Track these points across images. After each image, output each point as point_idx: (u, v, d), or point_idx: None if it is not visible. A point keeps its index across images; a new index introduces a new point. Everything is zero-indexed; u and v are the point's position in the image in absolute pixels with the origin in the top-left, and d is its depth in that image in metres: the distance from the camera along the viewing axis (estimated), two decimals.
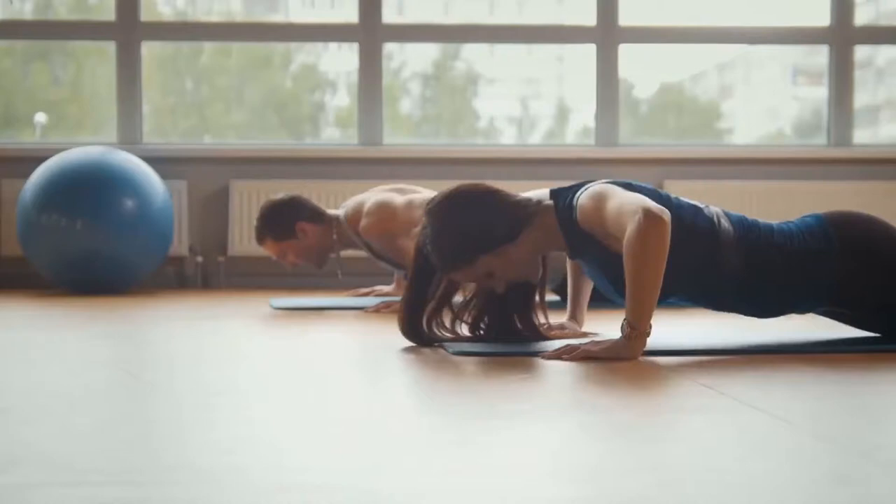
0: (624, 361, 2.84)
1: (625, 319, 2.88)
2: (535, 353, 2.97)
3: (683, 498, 1.51)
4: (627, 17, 6.38)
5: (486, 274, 3.10)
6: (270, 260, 6.07)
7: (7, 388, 2.54)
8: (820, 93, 6.72)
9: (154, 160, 5.91)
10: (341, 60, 7.20)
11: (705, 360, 2.93)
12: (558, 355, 2.90)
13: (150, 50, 6.55)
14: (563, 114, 7.51)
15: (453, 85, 7.40)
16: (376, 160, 6.22)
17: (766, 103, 7.87)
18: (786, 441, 1.91)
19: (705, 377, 2.60)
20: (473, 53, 7.24)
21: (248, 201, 6.13)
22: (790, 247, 3.09)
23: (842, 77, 6.45)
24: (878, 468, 1.68)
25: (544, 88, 7.76)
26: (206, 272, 6.21)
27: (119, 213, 5.44)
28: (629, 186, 3.06)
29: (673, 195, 3.12)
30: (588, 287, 3.50)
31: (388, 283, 5.39)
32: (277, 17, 7.38)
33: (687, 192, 6.10)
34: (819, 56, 6.79)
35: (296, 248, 4.87)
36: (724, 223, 3.07)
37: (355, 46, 6.35)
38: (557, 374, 2.69)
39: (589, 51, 6.41)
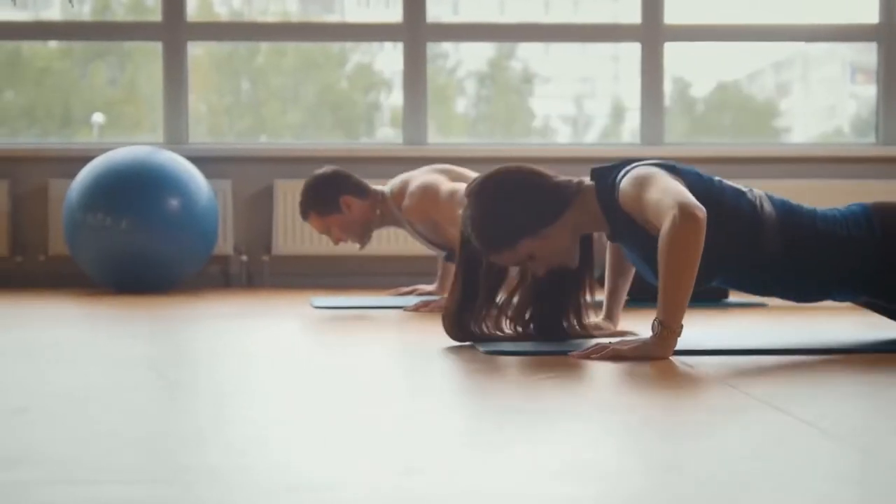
0: (654, 361, 2.82)
1: (656, 318, 2.86)
2: (566, 352, 2.96)
3: (690, 498, 1.49)
4: (673, 15, 6.33)
5: (527, 256, 3.08)
6: (314, 259, 6.11)
7: (26, 387, 2.56)
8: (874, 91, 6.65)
9: (199, 160, 5.95)
10: (396, 60, 7.21)
11: (736, 360, 2.90)
12: (587, 355, 2.88)
13: (207, 50, 6.59)
14: (618, 113, 7.48)
15: (508, 84, 7.39)
16: (421, 160, 6.19)
17: (824, 101, 7.80)
18: (803, 443, 1.88)
19: (734, 377, 2.58)
20: (529, 52, 7.23)
21: (292, 201, 6.14)
22: (832, 233, 3.06)
23: (891, 75, 6.37)
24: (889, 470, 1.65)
25: (599, 87, 7.73)
26: (251, 271, 6.24)
27: (164, 213, 5.47)
28: (673, 170, 3.03)
29: (717, 178, 3.10)
30: (625, 286, 3.47)
31: (429, 283, 5.39)
32: (332, 17, 7.40)
33: None
34: (872, 54, 6.72)
35: (340, 223, 4.82)
36: (767, 207, 3.05)
37: (400, 46, 6.36)
38: (585, 374, 2.67)
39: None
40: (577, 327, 3.24)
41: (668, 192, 2.89)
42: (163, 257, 5.51)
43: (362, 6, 7.13)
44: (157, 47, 6.37)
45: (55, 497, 1.49)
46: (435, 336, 3.28)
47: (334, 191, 4.78)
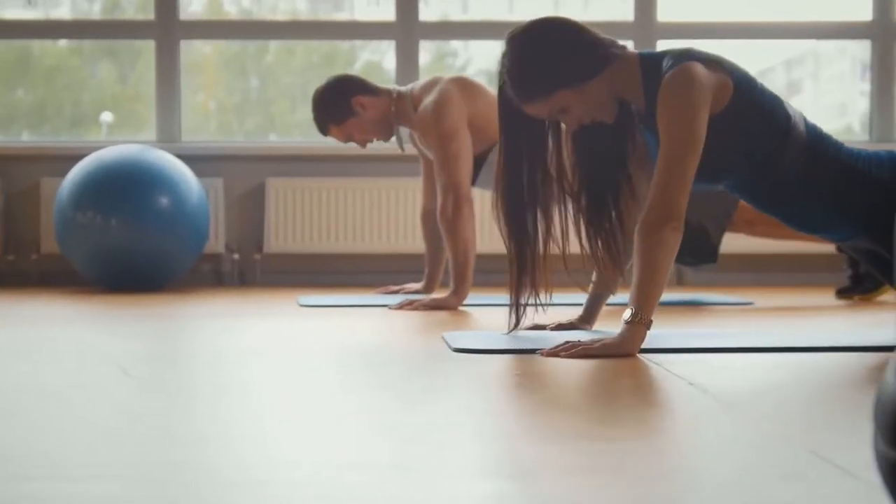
0: (622, 358, 2.83)
1: (628, 306, 2.87)
2: (534, 350, 2.96)
3: (627, 497, 1.50)
4: (666, 13, 6.33)
5: (560, 109, 3.06)
6: (306, 257, 6.12)
7: (5, 384, 2.57)
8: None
9: (191, 158, 5.95)
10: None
11: (703, 358, 2.90)
12: (556, 353, 2.89)
13: (216, 48, 6.60)
14: None
15: None
16: (413, 158, 6.21)
17: (835, 99, 7.79)
18: (748, 441, 1.88)
19: (696, 376, 2.57)
20: None
21: (283, 199, 6.16)
22: (852, 166, 3.06)
23: (885, 72, 6.37)
24: (831, 467, 1.65)
25: None
26: (243, 270, 6.25)
27: (153, 211, 5.48)
28: (721, 66, 3.01)
29: (759, 81, 3.09)
30: (606, 297, 3.47)
31: (418, 281, 5.39)
32: (342, 16, 7.41)
33: None
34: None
35: (359, 126, 4.82)
36: (800, 125, 3.07)
37: (398, 45, 6.36)
38: (550, 372, 2.67)
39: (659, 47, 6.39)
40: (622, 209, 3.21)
41: (681, 155, 2.90)
42: (153, 256, 5.52)
43: (372, 4, 7.13)
44: (179, 44, 6.39)
45: (32, 492, 1.50)
46: (409, 335, 3.28)
47: (343, 95, 4.78)
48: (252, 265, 6.24)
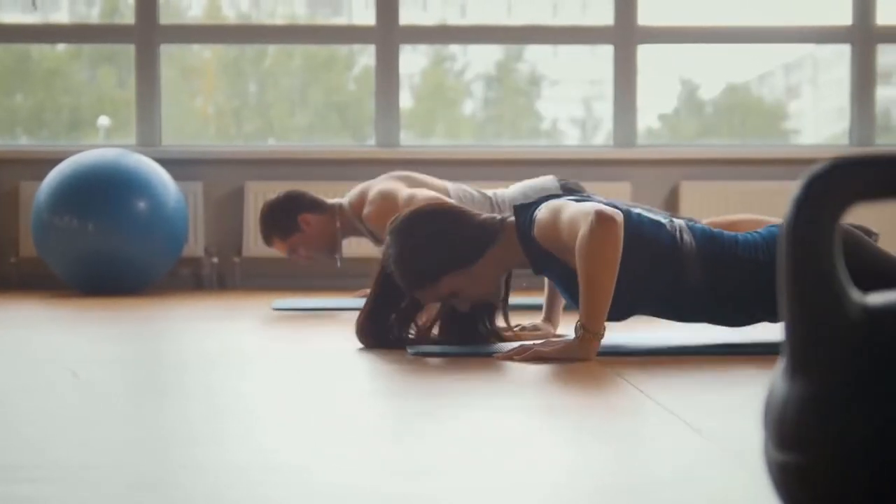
0: (576, 362, 2.83)
1: (578, 321, 2.87)
2: (491, 354, 2.96)
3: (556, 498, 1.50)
4: (647, 17, 6.33)
5: (450, 294, 3.08)
6: (285, 261, 6.11)
7: None
8: (888, 92, 6.64)
9: (171, 162, 5.96)
10: (405, 62, 7.21)
11: (656, 361, 2.90)
12: (510, 356, 2.89)
13: (214, 53, 6.60)
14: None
15: (516, 87, 7.39)
16: (392, 161, 6.22)
17: (834, 103, 7.79)
18: (689, 449, 1.88)
19: (643, 380, 2.57)
20: (537, 55, 7.23)
21: (262, 202, 6.14)
22: (753, 258, 3.01)
23: (864, 77, 6.37)
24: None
25: (608, 90, 7.75)
26: (222, 273, 6.25)
27: (130, 215, 5.48)
28: (589, 200, 3.04)
29: (636, 210, 3.09)
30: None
31: None
32: (340, 20, 7.42)
33: (706, 192, 6.07)
34: (887, 55, 6.70)
35: (304, 241, 4.87)
36: (687, 237, 3.03)
37: (408, 48, 6.36)
38: (504, 376, 2.68)
39: (652, 51, 6.39)
40: (492, 334, 3.22)
41: (583, 207, 2.90)
42: (130, 259, 5.52)
43: (370, 8, 7.14)
44: (162, 49, 6.38)
45: None
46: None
47: (290, 212, 4.86)
48: (231, 269, 6.24)
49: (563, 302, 3.49)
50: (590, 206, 2.88)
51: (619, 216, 2.84)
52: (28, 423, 2.09)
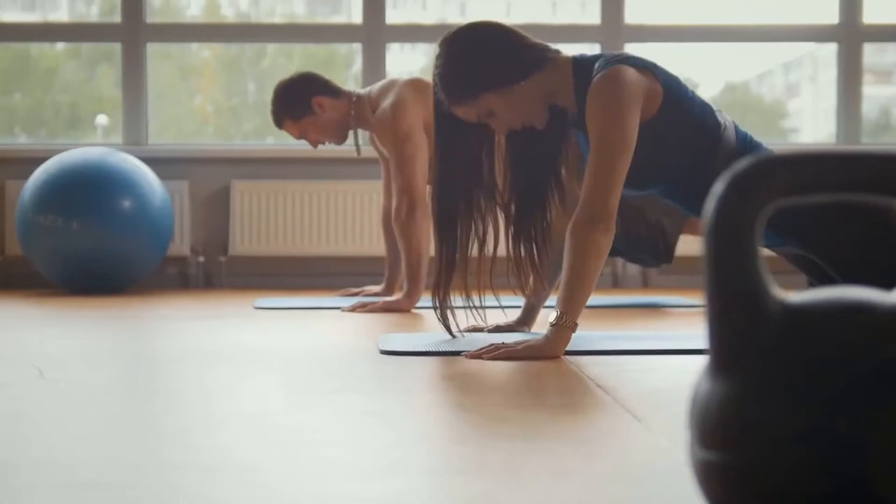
0: (545, 360, 2.83)
1: (556, 308, 2.87)
2: (459, 353, 2.96)
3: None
4: (634, 15, 6.33)
5: (487, 113, 3.07)
6: (272, 259, 6.12)
7: None
8: (888, 91, 6.63)
9: (157, 161, 5.96)
10: (404, 60, 7.20)
11: (623, 360, 2.90)
12: (479, 354, 2.89)
13: (213, 52, 6.60)
14: None
15: None
16: (376, 160, 6.22)
17: (834, 102, 7.79)
18: (636, 444, 1.88)
19: (610, 379, 2.57)
20: None
21: (248, 201, 6.16)
22: None
23: (850, 75, 6.37)
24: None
25: None
26: (209, 272, 6.25)
27: (115, 214, 5.48)
28: (651, 69, 3.01)
29: (690, 88, 3.09)
30: (541, 303, 3.48)
31: (378, 283, 5.39)
32: (339, 19, 7.42)
33: None
34: (887, 54, 6.70)
35: (315, 125, 4.83)
36: (731, 133, 3.06)
37: (407, 47, 6.36)
38: (475, 374, 2.68)
39: (653, 50, 6.39)
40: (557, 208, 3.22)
41: (611, 156, 2.89)
42: (115, 258, 5.52)
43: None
44: (161, 47, 6.39)
45: None
46: (349, 337, 3.28)
47: (304, 93, 4.79)
48: (217, 267, 6.24)
49: (541, 308, 3.49)
50: (608, 177, 2.89)
51: (612, 232, 2.89)
52: None
